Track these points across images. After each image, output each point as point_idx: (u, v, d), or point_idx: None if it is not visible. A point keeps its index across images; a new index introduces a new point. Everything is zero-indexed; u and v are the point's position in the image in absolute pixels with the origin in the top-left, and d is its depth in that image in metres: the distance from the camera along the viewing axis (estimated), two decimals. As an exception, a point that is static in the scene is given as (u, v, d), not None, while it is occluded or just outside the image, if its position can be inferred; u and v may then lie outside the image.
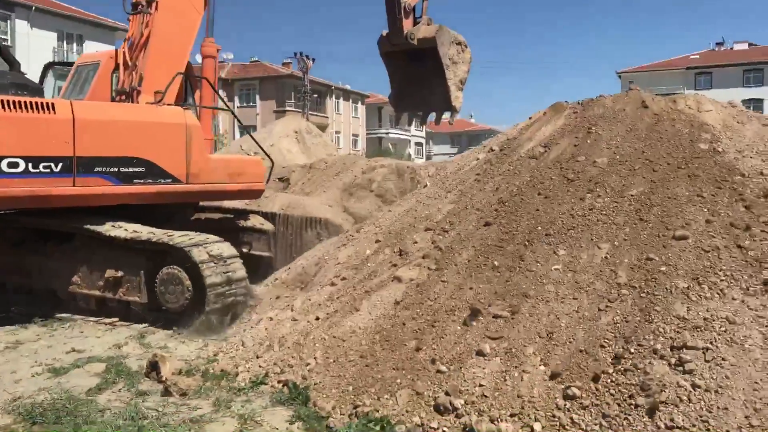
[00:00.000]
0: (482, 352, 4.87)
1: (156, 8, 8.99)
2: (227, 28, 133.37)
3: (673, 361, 4.46)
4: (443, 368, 4.84)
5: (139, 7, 9.22)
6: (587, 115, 7.45)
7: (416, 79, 12.99)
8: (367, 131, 75.43)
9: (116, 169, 7.95)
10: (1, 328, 7.13)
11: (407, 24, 12.50)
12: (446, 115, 13.22)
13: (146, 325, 7.37)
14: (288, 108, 60.98)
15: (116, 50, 9.48)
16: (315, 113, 63.09)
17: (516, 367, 4.71)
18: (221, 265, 7.26)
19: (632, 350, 4.61)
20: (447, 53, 12.45)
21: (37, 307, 8.01)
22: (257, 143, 10.71)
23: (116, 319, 7.47)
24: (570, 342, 4.80)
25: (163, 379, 5.27)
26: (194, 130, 8.68)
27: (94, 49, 41.23)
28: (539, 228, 6.02)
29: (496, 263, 5.76)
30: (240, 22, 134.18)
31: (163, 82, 8.74)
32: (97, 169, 7.79)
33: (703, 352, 4.48)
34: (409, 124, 14.24)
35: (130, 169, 8.07)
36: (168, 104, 8.68)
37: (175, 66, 9.09)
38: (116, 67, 9.24)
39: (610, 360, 4.59)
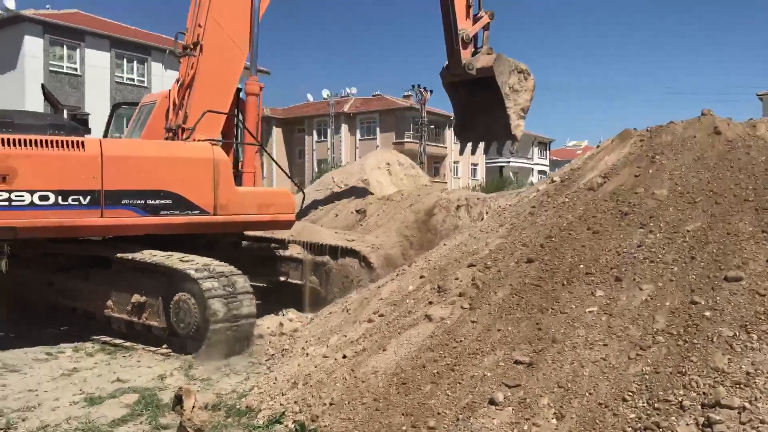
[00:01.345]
0: (495, 400, 4.53)
1: (201, 51, 9.43)
2: (353, 64, 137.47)
3: (701, 420, 3.94)
4: (451, 417, 4.54)
5: (187, 49, 9.68)
6: (653, 143, 6.91)
7: (479, 108, 12.72)
8: (486, 160, 74.67)
9: (143, 202, 8.41)
10: (63, 356, 7.52)
11: (465, 54, 12.33)
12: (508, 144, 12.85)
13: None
14: (406, 140, 61.67)
15: (170, 90, 9.98)
16: (433, 144, 63.36)
17: (527, 419, 4.33)
18: (231, 298, 7.45)
19: (657, 406, 4.12)
20: (506, 82, 12.13)
21: (80, 328, 8.67)
22: (285, 172, 11.09)
23: (169, 350, 7.65)
24: (590, 393, 4.37)
25: (183, 413, 5.29)
26: (222, 164, 9.05)
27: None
28: (581, 266, 5.59)
29: (529, 303, 5.39)
30: (367, 58, 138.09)
31: (209, 122, 9.20)
32: (124, 201, 8.28)
33: (739, 413, 3.92)
34: (473, 153, 13.93)
35: (157, 202, 8.51)
36: (200, 140, 9.03)
37: (219, 104, 9.53)
38: (170, 106, 9.75)
39: (631, 416, 4.12)
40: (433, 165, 65.41)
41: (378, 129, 64.42)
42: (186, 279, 7.56)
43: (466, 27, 12.52)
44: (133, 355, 7.59)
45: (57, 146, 7.92)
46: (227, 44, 9.74)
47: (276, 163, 10.44)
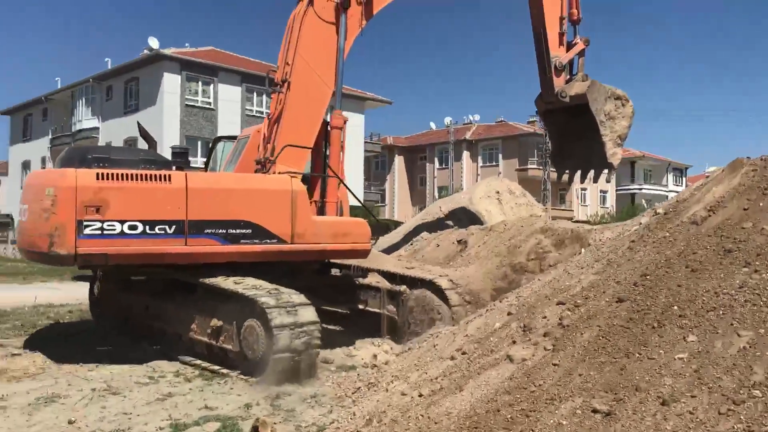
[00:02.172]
0: (567, 452, 4.23)
1: (288, 88, 9.77)
2: (476, 91, 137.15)
3: (799, 490, 3.48)
4: (520, 466, 4.29)
5: (277, 86, 10.11)
6: (767, 174, 6.32)
7: (575, 136, 12.24)
8: (617, 187, 71.89)
9: (224, 231, 8.90)
10: (163, 381, 7.84)
11: (558, 81, 11.94)
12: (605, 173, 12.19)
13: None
14: (530, 167, 60.57)
15: (262, 125, 10.45)
16: (559, 170, 61.85)
17: (600, 474, 4.01)
18: (296, 328, 7.70)
19: (748, 470, 3.68)
20: (602, 109, 11.62)
21: (169, 349, 9.27)
22: (362, 204, 11.54)
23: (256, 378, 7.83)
24: (672, 451, 3.98)
25: (257, 445, 5.34)
26: (299, 195, 9.45)
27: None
28: (675, 307, 5.16)
29: (615, 347, 5.03)
30: (491, 84, 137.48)
31: (293, 154, 9.66)
32: (206, 230, 8.79)
33: None
34: (570, 182, 13.40)
35: (237, 231, 8.97)
36: (281, 172, 9.45)
37: (304, 139, 9.93)
38: (261, 140, 10.22)
39: (717, 480, 3.71)
40: (559, 192, 63.75)
41: (500, 155, 63.75)
42: (255, 306, 7.87)
43: (559, 54, 12.35)
44: (228, 382, 7.79)
45: (146, 179, 8.55)
46: (314, 81, 10.15)
47: (353, 194, 10.60)
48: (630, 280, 5.83)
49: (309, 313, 7.97)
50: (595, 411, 4.48)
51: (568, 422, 4.50)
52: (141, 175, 8.54)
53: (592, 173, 12.99)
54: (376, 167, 68.44)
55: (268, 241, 9.17)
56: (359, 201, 10.98)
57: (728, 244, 5.60)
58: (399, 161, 68.65)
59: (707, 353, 4.59)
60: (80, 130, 43.50)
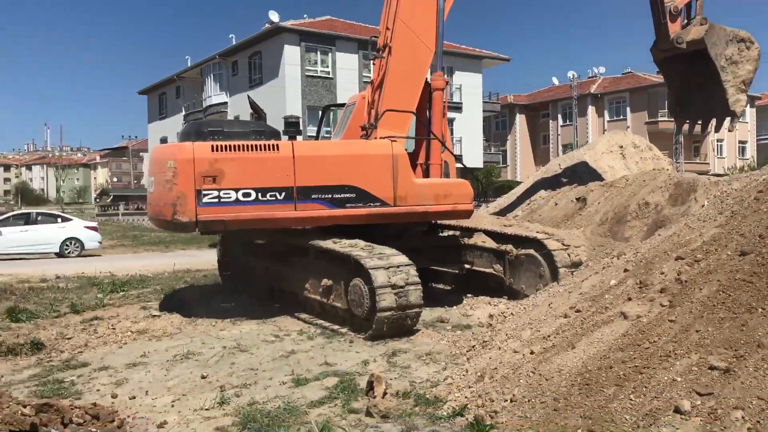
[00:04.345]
0: (681, 409, 4.10)
1: (390, 53, 9.76)
2: (602, 42, 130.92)
3: None
4: (631, 423, 4.21)
5: (378, 52, 10.23)
6: None
7: (696, 84, 11.39)
8: (758, 137, 66.85)
9: (330, 196, 9.29)
10: (288, 339, 8.26)
11: (674, 27, 11.15)
12: (727, 122, 11.29)
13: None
14: (660, 119, 57.40)
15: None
16: (692, 122, 58.13)
17: (716, 431, 3.87)
18: (398, 288, 7.96)
19: None
20: (722, 54, 10.73)
21: (291, 306, 9.88)
22: (462, 163, 11.14)
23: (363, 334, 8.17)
24: (795, 409, 3.77)
25: (372, 399, 5.55)
26: (400, 158, 9.64)
27: (463, 80, 44.52)
28: (805, 260, 4.82)
29: (736, 302, 4.79)
30: (617, 34, 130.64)
31: (395, 118, 9.82)
32: (313, 196, 9.21)
33: None
34: (691, 132, 12.52)
35: (342, 195, 9.33)
36: (383, 137, 9.57)
37: (407, 102, 10.02)
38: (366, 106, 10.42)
39: None
40: (693, 145, 60.18)
41: (628, 109, 60.85)
42: (360, 267, 8.17)
43: None
44: (347, 340, 8.10)
45: (256, 149, 9.05)
46: (415, 44, 10.17)
47: (452, 154, 10.53)
48: (755, 232, 5.49)
49: (410, 273, 8.17)
50: (712, 368, 4.32)
51: (683, 379, 4.36)
52: (251, 145, 9.06)
53: (714, 122, 12.21)
54: (497, 127, 67.34)
55: (372, 204, 9.49)
56: (461, 163, 10.96)
57: None
58: (520, 120, 67.13)
59: (839, 307, 4.28)
60: (210, 106, 45.68)
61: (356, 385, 6.08)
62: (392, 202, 9.58)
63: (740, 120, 12.30)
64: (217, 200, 8.81)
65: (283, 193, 9.07)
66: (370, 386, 5.80)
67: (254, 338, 8.32)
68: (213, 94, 45.88)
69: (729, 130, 11.78)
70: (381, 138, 9.80)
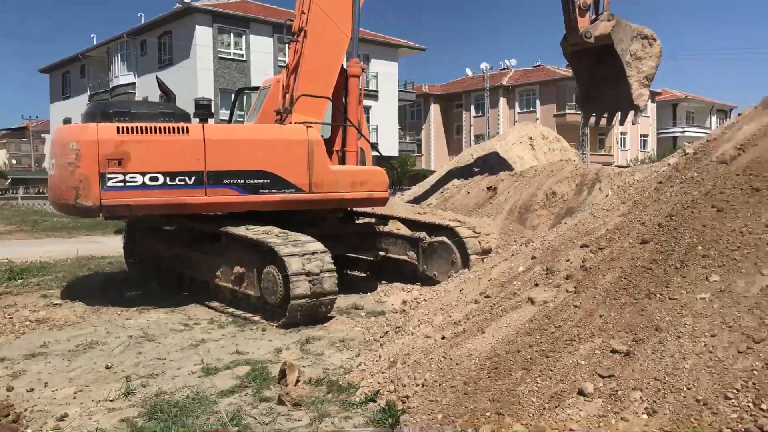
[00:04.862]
0: (584, 391, 4.26)
1: (305, 37, 9.70)
2: (514, 35, 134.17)
3: (813, 426, 3.46)
4: (537, 406, 4.34)
5: (293, 35, 10.12)
6: (801, 109, 6.11)
7: (603, 78, 11.95)
8: (658, 131, 70.26)
9: (243, 181, 9.09)
10: (198, 327, 8.07)
11: (583, 22, 11.61)
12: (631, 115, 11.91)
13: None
14: (568, 111, 59.40)
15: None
16: (598, 115, 60.41)
17: (616, 413, 4.04)
18: (312, 276, 7.89)
19: (764, 407, 3.67)
20: (627, 49, 11.30)
21: (201, 294, 9.69)
22: (378, 152, 11.07)
23: (277, 322, 8.09)
24: (689, 389, 3.98)
25: (285, 387, 5.50)
26: (316, 144, 9.54)
27: (379, 68, 44.59)
28: (699, 248, 5.08)
29: (637, 288, 5.00)
30: (528, 28, 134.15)
31: (311, 104, 9.71)
32: (225, 181, 9.00)
33: None
34: (597, 125, 13.14)
35: (256, 181, 9.16)
36: (297, 122, 9.49)
37: (322, 88, 9.94)
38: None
39: (733, 416, 3.71)
40: (598, 137, 62.59)
41: (538, 101, 62.63)
42: (274, 254, 8.06)
43: None
44: (259, 328, 7.99)
45: (164, 132, 8.76)
46: (331, 29, 10.10)
47: (369, 143, 10.57)
48: (655, 221, 5.75)
49: (325, 260, 8.14)
50: (614, 351, 4.49)
51: (587, 362, 4.53)
52: (159, 127, 8.76)
53: (618, 115, 12.76)
54: (412, 116, 67.93)
55: (287, 190, 9.36)
56: (377, 150, 10.99)
57: (756, 182, 5.46)
58: (435, 110, 67.97)
59: (729, 293, 4.54)
60: (117, 86, 43.98)
61: (268, 374, 6.01)
62: (307, 189, 9.48)
63: (642, 114, 12.90)
64: (122, 184, 8.49)
65: (193, 178, 8.82)
66: (283, 374, 5.76)
67: (162, 327, 8.08)
68: (120, 75, 44.19)
69: (632, 123, 12.31)
70: (296, 123, 9.68)
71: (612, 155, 62.64)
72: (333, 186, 9.69)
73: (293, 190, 9.40)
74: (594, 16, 12.18)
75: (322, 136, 10.01)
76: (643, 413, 3.96)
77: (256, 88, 11.83)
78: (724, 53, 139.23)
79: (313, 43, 9.99)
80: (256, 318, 8.40)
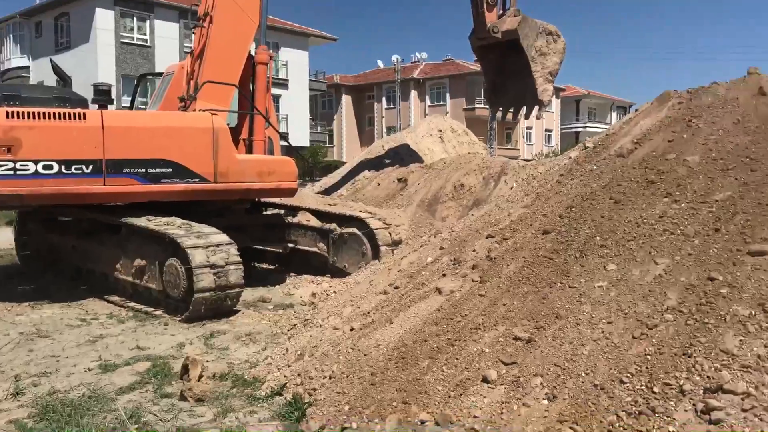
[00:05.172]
0: (488, 378, 4.34)
1: (211, 22, 9.50)
2: (425, 28, 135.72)
3: (700, 407, 3.65)
4: (443, 394, 4.38)
5: (199, 20, 9.88)
6: (693, 106, 6.43)
7: (509, 73, 12.32)
8: (562, 126, 72.73)
9: (144, 170, 8.78)
10: (96, 323, 7.73)
11: (490, 17, 11.93)
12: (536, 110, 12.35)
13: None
14: (477, 105, 60.55)
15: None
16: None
17: (518, 398, 4.13)
18: (217, 268, 7.69)
19: (656, 389, 3.84)
20: (532, 45, 11.69)
21: (100, 288, 9.30)
22: (288, 142, 11.17)
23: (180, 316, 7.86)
24: (587, 374, 4.12)
25: (186, 383, 5.33)
26: (221, 133, 9.30)
27: (289, 56, 44.05)
28: (597, 238, 5.28)
29: (539, 277, 5.14)
30: (439, 21, 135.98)
31: (216, 91, 9.44)
32: (125, 170, 8.67)
33: (742, 399, 3.61)
34: (504, 119, 13.55)
35: (157, 170, 8.86)
36: (202, 110, 9.17)
37: (228, 75, 9.67)
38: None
39: (627, 399, 3.86)
40: (505, 131, 64.17)
41: (448, 95, 63.52)
42: (176, 246, 7.83)
43: None
44: (162, 323, 7.73)
45: (59, 118, 8.32)
46: (237, 15, 9.86)
47: (278, 132, 10.43)
48: (556, 212, 5.92)
49: (231, 252, 7.95)
50: (516, 338, 4.60)
51: (491, 350, 4.61)
52: (54, 113, 8.31)
53: (524, 110, 13.10)
54: (323, 106, 67.51)
55: (190, 180, 9.08)
56: (286, 140, 10.83)
57: (651, 175, 5.71)
58: (346, 100, 67.80)
59: (625, 281, 4.73)
60: (9, 69, 41.49)
61: (170, 369, 5.82)
62: (212, 178, 9.22)
63: (547, 109, 13.30)
64: (12, 172, 7.99)
65: (91, 167, 8.41)
66: (185, 369, 5.59)
67: (57, 323, 7.69)
68: (12, 57, 41.65)
69: (537, 118, 12.72)
70: (201, 111, 9.39)
71: (518, 149, 64.38)
72: (239, 176, 9.46)
73: (197, 179, 9.12)
74: (501, 12, 12.43)
75: (228, 124, 9.77)
76: (543, 399, 4.06)
77: (160, 74, 11.42)
78: (624, 51, 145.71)
79: (219, 29, 9.72)
80: (158, 312, 8.12)
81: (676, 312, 4.30)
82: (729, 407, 3.59)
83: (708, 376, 3.80)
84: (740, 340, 3.94)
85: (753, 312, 4.09)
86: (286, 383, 5.30)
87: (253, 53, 10.32)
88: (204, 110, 9.38)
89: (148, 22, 37.70)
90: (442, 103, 63.61)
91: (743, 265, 4.45)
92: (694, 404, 3.68)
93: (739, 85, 6.39)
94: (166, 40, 38.07)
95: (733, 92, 6.32)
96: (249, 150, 10.11)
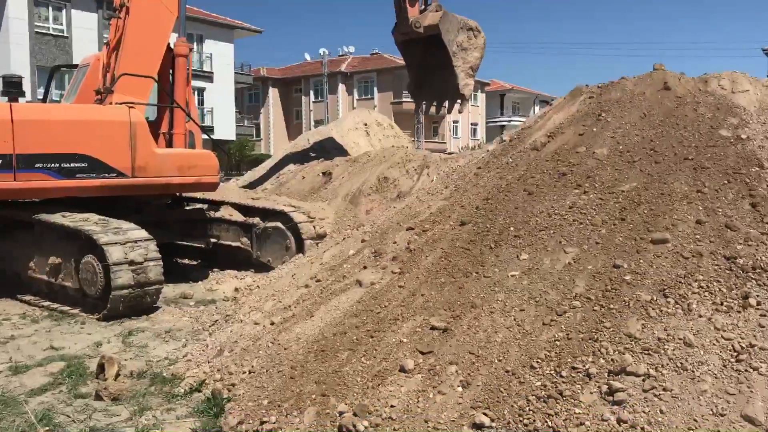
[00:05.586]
0: (405, 368, 4.41)
1: (127, 13, 9.29)
2: (353, 21, 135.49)
3: (604, 389, 3.81)
4: (361, 385, 4.43)
5: (115, 11, 9.64)
6: (602, 100, 6.68)
7: (432, 67, 12.53)
8: (487, 120, 74.01)
9: (57, 165, 8.51)
10: (8, 323, 7.44)
11: (412, 12, 12.12)
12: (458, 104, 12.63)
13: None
14: (405, 99, 60.92)
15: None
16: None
17: (434, 386, 4.21)
18: (135, 265, 7.54)
19: (564, 374, 3.99)
20: (454, 40, 11.94)
21: (13, 288, 8.92)
22: (208, 135, 11.01)
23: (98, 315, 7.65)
24: (499, 360, 4.24)
25: (100, 382, 5.21)
26: (139, 126, 9.10)
27: (213, 48, 43.22)
28: (511, 228, 5.43)
29: (456, 267, 5.25)
30: (366, 15, 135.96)
31: (134, 84, 9.22)
32: (37, 165, 8.39)
33: (643, 380, 3.80)
34: (427, 113, 13.78)
35: (72, 165, 8.59)
36: (119, 103, 8.91)
37: (146, 67, 9.47)
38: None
39: (537, 384, 4.00)
40: (433, 125, 64.81)
41: (376, 89, 63.66)
42: (92, 243, 7.62)
43: None
44: (78, 322, 7.50)
45: None
46: (155, 6, 9.67)
47: (197, 124, 10.27)
48: (473, 204, 6.05)
49: (150, 248, 7.80)
50: (433, 328, 4.68)
51: (408, 340, 4.69)
52: None
53: (447, 104, 13.28)
54: (250, 99, 66.56)
55: (107, 175, 8.85)
56: (208, 134, 10.66)
57: (563, 167, 5.91)
58: (273, 93, 67.04)
59: (537, 270, 4.89)
60: None
61: (86, 369, 5.66)
62: (130, 173, 8.99)
63: (473, 104, 13.51)
64: None
65: (0, 161, 8.08)
66: (101, 368, 5.47)
67: (-36, 325, 7.36)
68: None
69: (459, 112, 12.85)
70: (118, 103, 9.13)
71: (445, 143, 65.14)
72: (158, 170, 9.26)
73: (114, 174, 8.88)
74: (423, 7, 12.55)
75: (148, 117, 9.54)
76: (458, 386, 4.16)
77: (76, 66, 11.02)
78: (545, 47, 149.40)
79: (136, 20, 9.47)
80: (75, 311, 7.88)
81: (584, 299, 4.47)
82: (631, 388, 3.77)
83: (612, 360, 3.98)
84: (642, 324, 4.14)
85: (654, 297, 4.30)
86: (205, 379, 5.25)
87: (172, 45, 10.10)
88: (121, 103, 9.12)
89: (64, 11, 36.22)
90: (369, 96, 63.70)
91: (646, 252, 4.67)
92: (599, 387, 3.85)
93: (645, 80, 6.67)
94: (84, 30, 36.66)
95: (640, 87, 6.60)
96: (169, 144, 9.90)
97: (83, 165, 8.64)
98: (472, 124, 70.16)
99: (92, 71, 9.86)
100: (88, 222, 7.99)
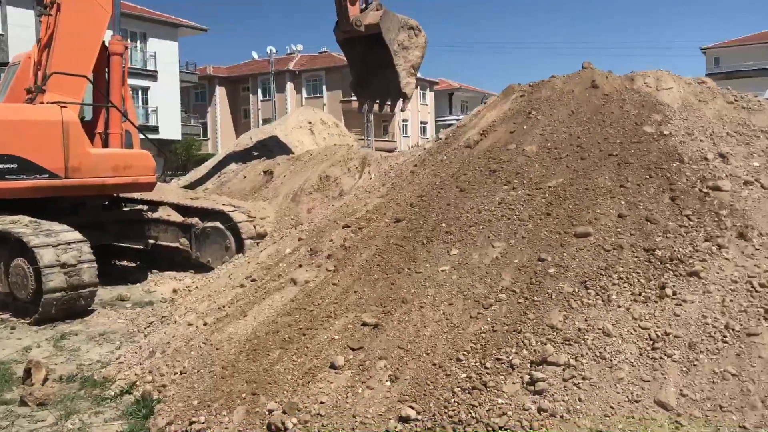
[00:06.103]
0: (335, 364, 4.44)
1: (58, 10, 9.10)
2: (301, 19, 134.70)
3: (526, 379, 3.91)
4: (292, 383, 4.44)
5: (45, 8, 9.43)
6: (533, 98, 6.82)
7: (374, 66, 12.61)
8: (436, 118, 74.52)
9: None
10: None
11: (353, 10, 12.16)
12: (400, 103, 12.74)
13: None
14: (354, 98, 60.86)
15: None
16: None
17: (363, 382, 4.26)
18: (68, 267, 7.39)
19: (488, 365, 4.08)
20: (395, 39, 12.04)
21: None
22: (145, 136, 10.75)
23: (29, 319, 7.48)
24: (427, 354, 4.31)
25: (30, 387, 5.10)
26: (72, 126, 8.93)
27: (157, 47, 42.42)
28: (443, 225, 5.51)
29: (389, 264, 5.30)
30: (314, 14, 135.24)
31: (66, 83, 9.04)
32: None
33: (564, 369, 3.91)
34: (370, 111, 13.86)
35: (1, 166, 8.40)
36: (51, 102, 8.83)
37: (79, 65, 9.29)
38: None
39: (462, 376, 4.07)
40: (382, 123, 64.95)
41: (324, 87, 63.45)
42: (23, 245, 7.46)
43: None
44: (8, 327, 7.30)
45: None
46: (87, 3, 9.48)
47: (133, 125, 10.10)
48: (408, 201, 6.11)
49: (83, 250, 7.64)
50: (364, 324, 4.73)
51: (340, 336, 4.72)
52: None
53: (389, 102, 13.33)
54: (196, 98, 65.58)
55: (39, 176, 8.66)
56: (144, 135, 10.47)
57: (493, 164, 6.02)
58: (220, 92, 66.18)
59: (466, 264, 4.98)
60: None
61: (12, 375, 5.53)
62: (63, 174, 8.79)
63: (421, 102, 13.56)
64: None
65: None
66: (28, 373, 5.35)
67: None
68: None
69: (401, 111, 12.89)
70: (49, 103, 8.90)
71: (395, 141, 65.38)
72: (93, 171, 9.08)
73: (46, 175, 8.68)
74: (364, 6, 12.57)
75: (83, 117, 9.34)
76: (387, 381, 4.21)
77: (6, 65, 10.71)
78: (491, 45, 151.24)
79: (68, 18, 9.24)
80: (5, 316, 7.67)
81: (509, 291, 4.58)
82: (552, 378, 3.88)
83: (534, 350, 4.08)
84: (564, 315, 4.26)
85: (576, 289, 4.43)
86: (136, 381, 5.18)
87: (107, 43, 9.90)
88: (53, 102, 8.91)
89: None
90: (318, 95, 63.46)
91: (569, 246, 4.80)
92: (521, 377, 3.95)
93: (574, 78, 6.84)
94: (21, 27, 35.52)
95: (569, 85, 6.76)
96: (105, 144, 9.70)
97: (12, 166, 8.44)
98: (421, 123, 70.56)
99: (22, 70, 9.60)
100: (19, 224, 7.79)
